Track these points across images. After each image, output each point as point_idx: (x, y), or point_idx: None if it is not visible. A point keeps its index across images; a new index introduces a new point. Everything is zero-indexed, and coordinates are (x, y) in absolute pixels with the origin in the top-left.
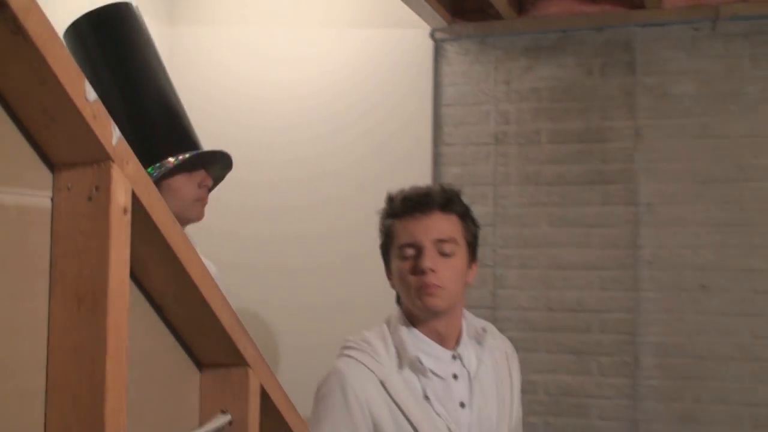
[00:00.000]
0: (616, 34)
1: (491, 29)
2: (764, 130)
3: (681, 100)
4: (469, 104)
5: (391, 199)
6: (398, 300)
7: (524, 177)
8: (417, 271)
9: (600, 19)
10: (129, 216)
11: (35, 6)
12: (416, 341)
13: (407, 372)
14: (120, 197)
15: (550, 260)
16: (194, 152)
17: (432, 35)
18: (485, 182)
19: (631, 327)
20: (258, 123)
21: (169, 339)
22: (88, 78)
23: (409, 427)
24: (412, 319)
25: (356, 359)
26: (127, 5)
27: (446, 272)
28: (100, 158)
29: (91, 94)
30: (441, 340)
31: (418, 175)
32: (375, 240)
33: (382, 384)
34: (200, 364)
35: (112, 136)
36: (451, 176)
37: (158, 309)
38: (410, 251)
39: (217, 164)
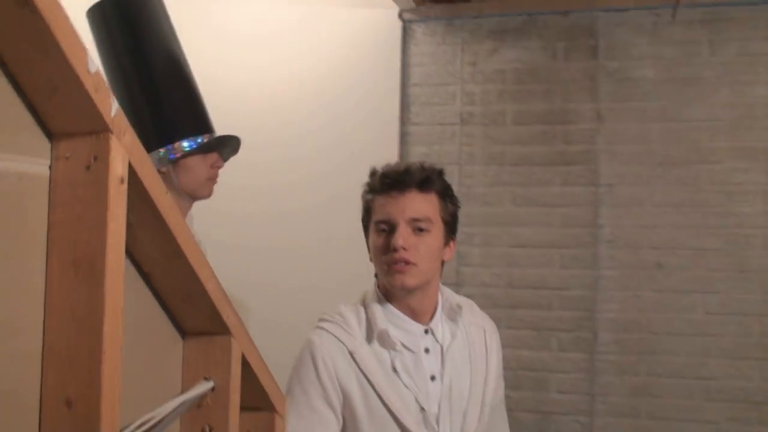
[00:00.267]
0: (580, 18)
1: (458, 11)
2: (720, 115)
3: (641, 85)
4: (435, 85)
5: (372, 174)
6: (377, 274)
7: (489, 157)
8: (390, 248)
9: (564, 4)
10: (125, 185)
11: None
12: (389, 315)
13: (377, 345)
14: (117, 167)
15: (512, 238)
16: (214, 136)
17: (400, 16)
18: (451, 162)
19: (590, 304)
20: (224, 105)
21: (155, 307)
22: (108, 59)
23: (376, 397)
24: (387, 294)
25: (328, 331)
26: None
27: (420, 249)
28: (99, 129)
29: (93, 66)
30: (414, 315)
31: (386, 154)
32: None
33: (351, 355)
34: (183, 333)
35: (111, 108)
36: (418, 155)
37: (146, 277)
38: (385, 228)
39: (228, 147)
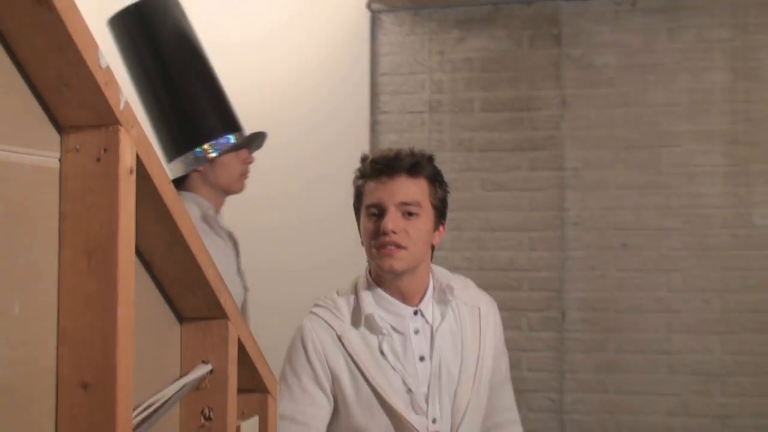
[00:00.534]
0: (544, 7)
1: (425, 1)
2: (679, 100)
3: (603, 71)
4: (404, 74)
5: (363, 160)
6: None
7: (458, 143)
8: (380, 232)
9: None
10: (134, 176)
11: None
12: (378, 299)
13: (365, 328)
14: (127, 158)
15: (482, 222)
16: (244, 133)
17: (368, 6)
18: (420, 149)
19: (558, 284)
20: None
21: (155, 293)
22: (134, 66)
23: (362, 379)
24: (377, 279)
25: (318, 315)
26: None
27: (409, 233)
28: (109, 122)
29: (104, 61)
30: (404, 297)
31: (357, 143)
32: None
33: (339, 338)
34: (181, 318)
35: (120, 101)
36: (388, 143)
37: (146, 265)
38: (375, 212)
39: (256, 143)
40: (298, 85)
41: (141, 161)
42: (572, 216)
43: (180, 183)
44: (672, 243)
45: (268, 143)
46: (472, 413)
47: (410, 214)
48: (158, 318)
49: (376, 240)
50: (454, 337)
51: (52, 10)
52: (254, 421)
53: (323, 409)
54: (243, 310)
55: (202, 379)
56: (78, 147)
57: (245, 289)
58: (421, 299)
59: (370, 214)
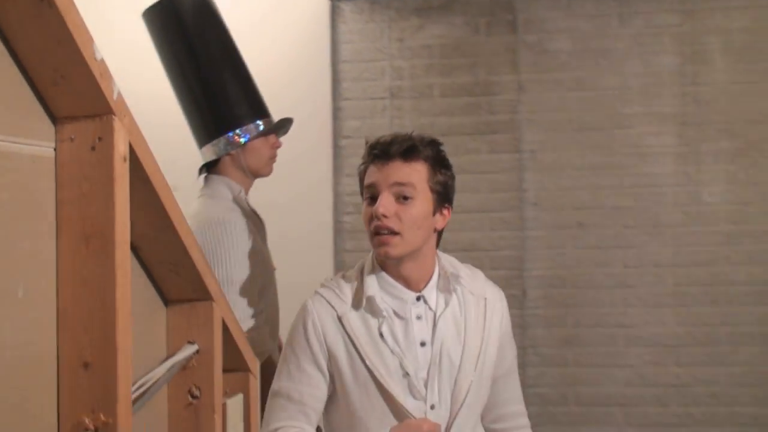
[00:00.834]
0: None
1: None
2: (630, 83)
3: (558, 56)
4: (365, 61)
5: (365, 146)
6: None
7: (418, 128)
8: (373, 216)
9: None
10: (128, 163)
11: None
12: (382, 283)
13: (365, 311)
14: (120, 147)
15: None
16: (272, 119)
17: None
18: (383, 134)
19: (519, 263)
20: (152, 88)
21: (142, 277)
22: (166, 56)
23: (360, 361)
24: (382, 262)
25: (321, 295)
26: None
27: (402, 218)
28: (103, 112)
29: (98, 54)
30: (407, 283)
31: (319, 128)
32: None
33: (340, 319)
34: (166, 301)
35: (114, 92)
36: (350, 129)
37: (133, 249)
38: (371, 197)
39: (284, 128)
40: (260, 74)
41: (133, 149)
42: (530, 197)
43: (211, 167)
44: (626, 221)
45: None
46: (471, 402)
47: (405, 198)
48: (145, 301)
49: (372, 225)
50: (457, 324)
51: (53, 5)
52: (239, 398)
53: (319, 390)
54: (270, 287)
55: (189, 358)
56: (73, 137)
57: (273, 267)
58: (425, 285)
59: (367, 198)
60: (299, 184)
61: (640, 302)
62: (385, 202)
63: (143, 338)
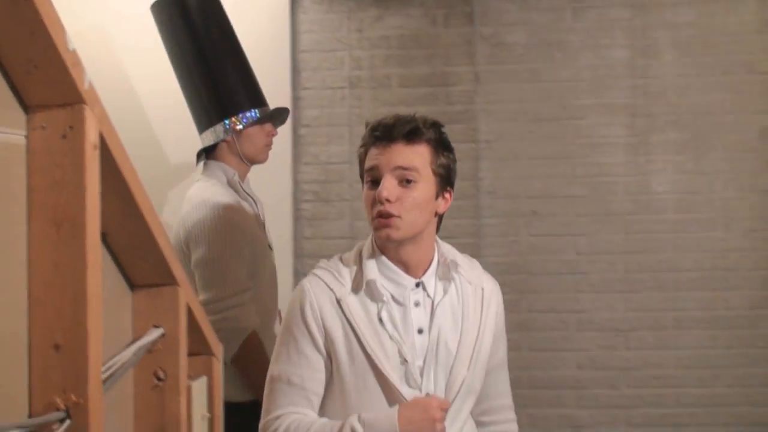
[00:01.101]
0: None
1: None
2: (583, 75)
3: (513, 49)
4: (324, 51)
5: (365, 128)
6: None
7: (377, 118)
8: (376, 200)
9: None
10: (98, 151)
11: None
12: (381, 267)
13: (365, 295)
14: (91, 135)
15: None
16: (273, 108)
17: None
18: (341, 123)
19: (475, 250)
20: (113, 80)
21: (109, 263)
22: (171, 47)
23: (358, 345)
24: (381, 246)
25: (319, 277)
26: None
27: (405, 201)
28: (74, 101)
29: (71, 44)
30: (407, 268)
31: None
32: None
33: (338, 302)
34: (132, 285)
35: (85, 82)
36: (309, 118)
37: (102, 236)
38: (372, 180)
39: (279, 118)
40: None
41: (103, 138)
42: (486, 185)
43: (210, 152)
44: (578, 209)
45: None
46: (466, 391)
47: (408, 181)
48: (112, 285)
49: (374, 209)
50: (455, 312)
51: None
52: (203, 380)
53: (320, 372)
54: (264, 267)
55: (154, 342)
56: (44, 125)
57: (270, 248)
58: (424, 272)
59: (368, 181)
60: (258, 172)
61: (591, 288)
62: (388, 185)
63: (110, 322)
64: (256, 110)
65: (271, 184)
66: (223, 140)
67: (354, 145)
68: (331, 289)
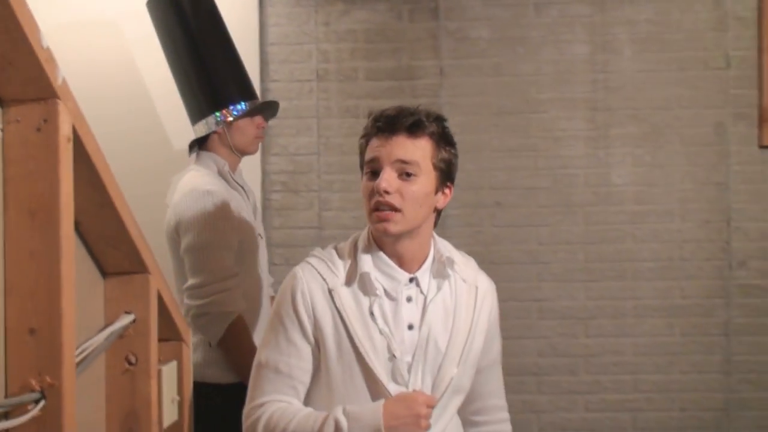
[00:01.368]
0: None
1: None
2: (545, 70)
3: (477, 43)
4: (292, 44)
5: (367, 118)
6: None
7: (344, 110)
8: (374, 192)
9: None
10: (71, 144)
11: None
12: (376, 260)
13: (358, 287)
14: (65, 128)
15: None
16: (258, 101)
17: None
18: (309, 115)
19: None
20: (83, 76)
21: (81, 251)
22: (166, 42)
23: (347, 337)
24: (377, 239)
25: (312, 266)
26: None
27: (404, 195)
28: (48, 96)
29: (45, 42)
30: (402, 262)
31: None
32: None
33: (330, 293)
34: (104, 273)
35: (58, 77)
36: (279, 110)
37: (75, 225)
38: (372, 172)
39: (270, 111)
40: None
41: (76, 131)
42: None
43: (202, 143)
44: (540, 201)
45: (158, 110)
46: (453, 389)
47: (408, 174)
48: (84, 273)
49: (372, 201)
50: (447, 310)
51: None
52: (173, 365)
53: (307, 362)
54: (252, 254)
55: (126, 327)
56: (19, 119)
57: (260, 236)
58: (419, 267)
59: (368, 172)
60: None
61: (552, 277)
62: (388, 177)
63: (82, 308)
64: (247, 103)
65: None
66: (215, 132)
67: (321, 137)
68: (324, 279)
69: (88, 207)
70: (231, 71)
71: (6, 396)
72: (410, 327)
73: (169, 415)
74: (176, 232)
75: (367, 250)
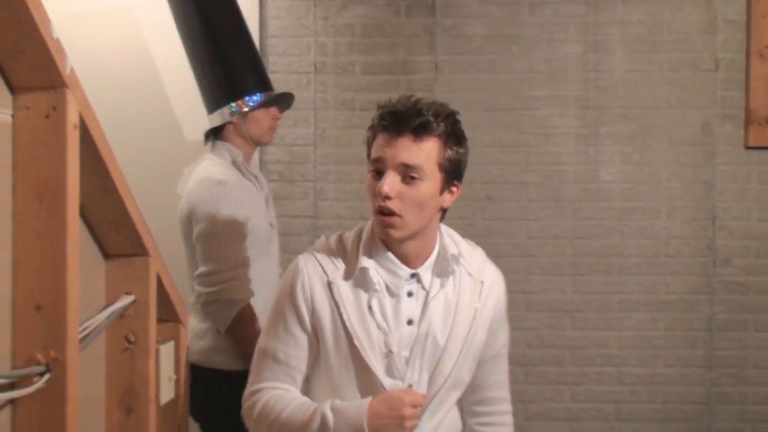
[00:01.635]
0: None
1: None
2: (538, 68)
3: (472, 40)
4: (291, 36)
5: (378, 109)
6: None
7: (341, 103)
8: (377, 192)
9: None
10: (79, 131)
11: None
12: (378, 255)
13: (357, 281)
14: (72, 116)
15: (362, 176)
16: (273, 92)
17: None
18: (307, 107)
19: None
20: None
21: (85, 233)
22: (185, 33)
23: (344, 331)
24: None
25: (315, 256)
26: None
27: (405, 199)
28: (57, 84)
29: (55, 33)
30: (405, 259)
31: None
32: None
33: (329, 285)
34: (106, 255)
35: (67, 67)
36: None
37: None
38: (376, 171)
39: (285, 102)
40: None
41: (82, 119)
42: None
43: (217, 132)
44: (531, 195)
45: (169, 98)
46: (451, 384)
47: (412, 177)
48: (87, 254)
49: (375, 200)
50: (448, 306)
51: None
52: (170, 345)
53: (304, 351)
54: (264, 243)
55: (126, 308)
56: (29, 106)
57: (272, 226)
58: (422, 263)
59: (372, 170)
60: None
61: (541, 271)
62: (390, 182)
63: (85, 288)
64: (262, 94)
65: None
66: (230, 122)
67: (318, 129)
68: (325, 272)
69: (92, 191)
70: (247, 62)
71: (13, 368)
72: (409, 322)
73: (166, 393)
74: (189, 220)
75: (370, 244)
